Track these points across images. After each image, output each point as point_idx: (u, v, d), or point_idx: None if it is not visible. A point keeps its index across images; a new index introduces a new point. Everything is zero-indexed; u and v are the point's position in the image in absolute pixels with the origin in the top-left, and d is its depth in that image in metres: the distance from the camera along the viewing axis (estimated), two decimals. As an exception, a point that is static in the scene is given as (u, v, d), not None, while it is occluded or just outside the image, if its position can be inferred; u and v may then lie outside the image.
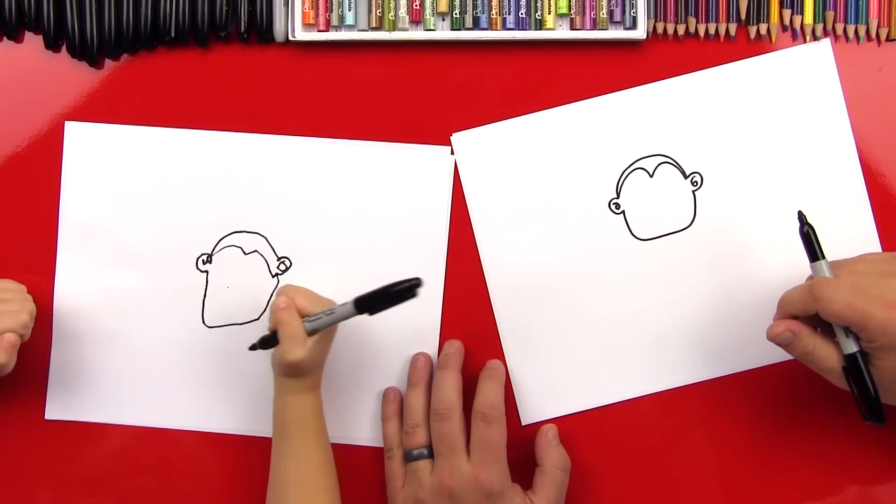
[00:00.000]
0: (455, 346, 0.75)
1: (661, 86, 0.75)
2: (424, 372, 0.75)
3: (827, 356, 0.65)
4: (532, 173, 0.75)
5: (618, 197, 0.75)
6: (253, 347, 0.72)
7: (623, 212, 0.75)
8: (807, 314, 0.65)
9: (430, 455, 0.72)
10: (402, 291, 0.65)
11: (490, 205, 0.76)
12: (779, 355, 0.74)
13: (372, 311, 0.67)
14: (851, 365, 0.64)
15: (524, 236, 0.76)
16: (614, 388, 0.74)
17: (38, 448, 0.77)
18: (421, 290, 0.65)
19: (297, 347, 0.69)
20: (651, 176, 0.75)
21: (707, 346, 0.75)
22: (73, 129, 0.76)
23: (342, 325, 0.71)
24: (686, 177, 0.75)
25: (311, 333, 0.69)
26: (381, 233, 0.76)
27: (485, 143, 0.75)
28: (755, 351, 0.74)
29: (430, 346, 0.76)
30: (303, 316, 0.70)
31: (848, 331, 0.63)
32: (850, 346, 0.63)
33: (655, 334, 0.75)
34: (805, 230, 0.65)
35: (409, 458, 0.72)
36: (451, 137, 0.75)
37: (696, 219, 0.75)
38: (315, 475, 0.71)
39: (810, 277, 0.66)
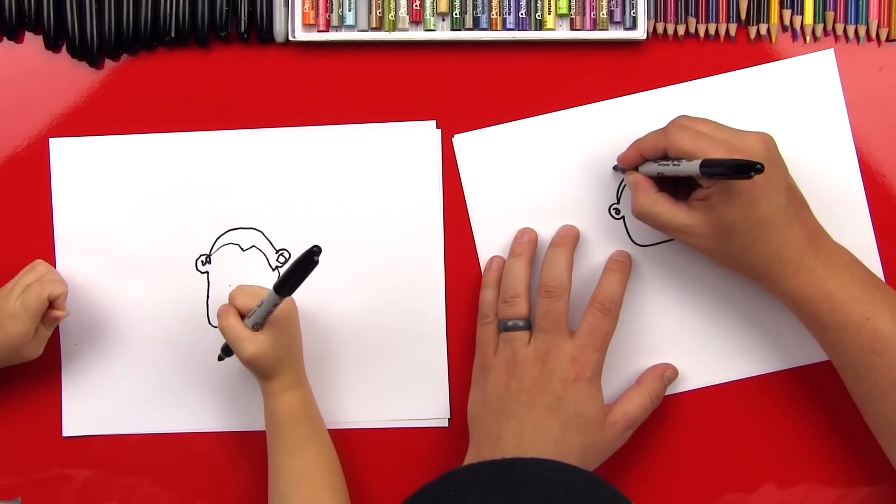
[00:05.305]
0: (571, 230, 0.74)
1: (662, 92, 0.75)
2: (529, 245, 0.74)
3: (651, 197, 0.68)
4: (533, 177, 0.75)
5: (618, 202, 0.75)
6: (220, 358, 0.73)
7: (623, 217, 0.75)
8: (656, 153, 0.68)
9: (527, 327, 0.71)
10: (303, 262, 0.65)
11: (490, 207, 0.75)
12: (778, 363, 0.74)
13: (290, 291, 0.67)
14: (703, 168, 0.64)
15: (524, 239, 0.75)
16: (611, 395, 0.73)
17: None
18: (319, 257, 0.64)
19: (244, 345, 0.69)
20: None
21: (705, 353, 0.74)
22: (58, 146, 0.76)
23: (346, 318, 0.74)
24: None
25: (256, 328, 0.70)
26: (376, 212, 0.76)
27: (486, 146, 0.75)
28: (754, 358, 0.74)
29: (437, 334, 0.76)
30: (245, 315, 0.70)
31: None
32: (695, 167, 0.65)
33: (653, 341, 0.75)
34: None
35: (504, 327, 0.71)
36: (452, 140, 0.75)
37: None
38: (314, 471, 0.71)
39: None
